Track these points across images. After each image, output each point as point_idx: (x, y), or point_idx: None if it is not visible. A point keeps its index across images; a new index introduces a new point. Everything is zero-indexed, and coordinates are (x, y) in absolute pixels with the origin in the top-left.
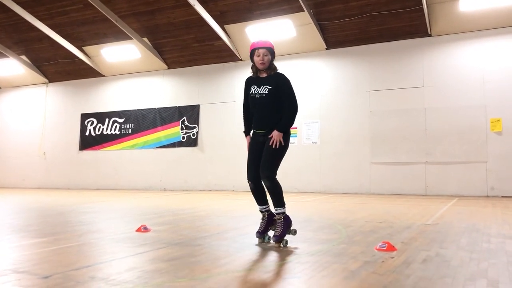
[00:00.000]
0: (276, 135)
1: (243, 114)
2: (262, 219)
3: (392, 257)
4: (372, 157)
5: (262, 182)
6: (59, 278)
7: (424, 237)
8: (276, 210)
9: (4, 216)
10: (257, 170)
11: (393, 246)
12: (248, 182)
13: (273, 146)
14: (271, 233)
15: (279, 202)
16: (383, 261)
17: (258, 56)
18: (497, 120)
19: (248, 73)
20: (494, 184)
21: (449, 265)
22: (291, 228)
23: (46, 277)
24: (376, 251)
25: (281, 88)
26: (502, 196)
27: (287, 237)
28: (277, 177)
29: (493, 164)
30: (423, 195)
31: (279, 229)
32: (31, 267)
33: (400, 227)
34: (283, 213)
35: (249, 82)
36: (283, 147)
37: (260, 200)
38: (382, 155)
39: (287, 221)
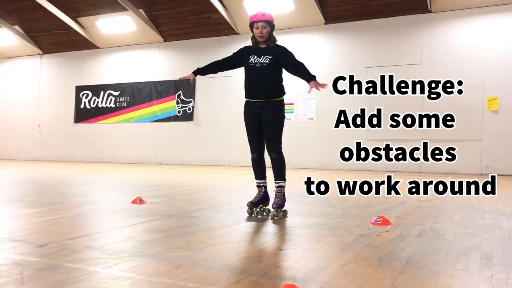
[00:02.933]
0: (314, 83)
1: (216, 61)
2: (258, 193)
3: (387, 231)
4: (367, 134)
5: (269, 155)
6: (55, 247)
7: (418, 212)
8: (277, 182)
9: None
10: (260, 142)
11: (388, 220)
12: (253, 154)
13: (323, 87)
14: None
15: (281, 174)
16: (377, 235)
17: (257, 29)
18: (494, 99)
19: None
20: (489, 163)
21: (443, 239)
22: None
23: (42, 246)
24: (371, 225)
25: (285, 58)
26: (497, 174)
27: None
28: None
29: (488, 142)
30: (418, 172)
31: (279, 199)
32: (26, 236)
33: (395, 203)
34: (284, 187)
35: (248, 51)
36: (282, 118)
37: (260, 173)
38: (378, 132)
39: (285, 197)
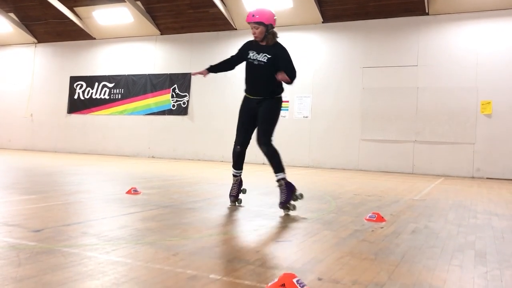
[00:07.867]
0: (283, 74)
1: (226, 59)
2: (235, 182)
3: (382, 227)
4: (361, 133)
5: (259, 148)
6: (51, 232)
7: (412, 210)
8: (276, 175)
9: None
10: (246, 136)
11: (383, 217)
12: (236, 146)
13: (280, 78)
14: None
15: (278, 167)
16: (372, 231)
17: (252, 29)
18: (488, 103)
19: (243, 43)
20: (480, 166)
21: (438, 236)
22: (297, 193)
23: (38, 231)
24: (365, 221)
25: (280, 59)
26: (487, 178)
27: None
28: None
29: (481, 146)
30: (409, 173)
31: (283, 196)
32: (21, 221)
33: (389, 201)
34: (284, 178)
35: (249, 46)
36: (277, 114)
37: (239, 165)
38: (372, 132)
39: (289, 187)
